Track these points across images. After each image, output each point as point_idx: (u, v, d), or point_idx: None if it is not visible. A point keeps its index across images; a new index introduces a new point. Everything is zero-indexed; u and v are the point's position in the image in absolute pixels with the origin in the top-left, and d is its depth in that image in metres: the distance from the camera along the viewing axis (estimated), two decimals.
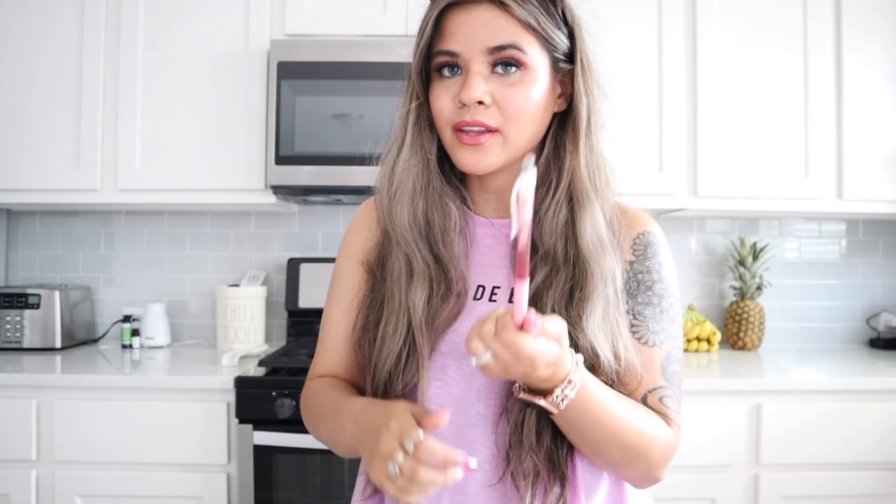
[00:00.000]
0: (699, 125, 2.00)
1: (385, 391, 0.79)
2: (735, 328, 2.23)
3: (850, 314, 2.38)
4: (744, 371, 1.88)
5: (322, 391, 0.86)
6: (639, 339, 0.80)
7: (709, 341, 2.18)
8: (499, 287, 0.81)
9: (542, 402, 0.69)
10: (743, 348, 2.22)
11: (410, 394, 0.79)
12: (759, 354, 2.16)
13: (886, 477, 1.71)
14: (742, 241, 2.25)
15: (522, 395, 0.71)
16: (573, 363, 0.69)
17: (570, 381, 0.68)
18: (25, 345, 2.07)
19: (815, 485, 1.71)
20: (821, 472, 1.71)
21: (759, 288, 2.24)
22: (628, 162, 1.98)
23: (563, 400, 0.69)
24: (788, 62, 2.01)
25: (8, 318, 2.07)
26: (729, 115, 2.00)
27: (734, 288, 2.30)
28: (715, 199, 2.01)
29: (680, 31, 2.01)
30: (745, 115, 2.00)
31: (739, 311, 2.22)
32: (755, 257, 2.23)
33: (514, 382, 0.73)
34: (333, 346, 0.89)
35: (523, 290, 0.62)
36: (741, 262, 2.24)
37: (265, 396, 1.65)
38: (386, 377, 0.78)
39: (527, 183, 0.60)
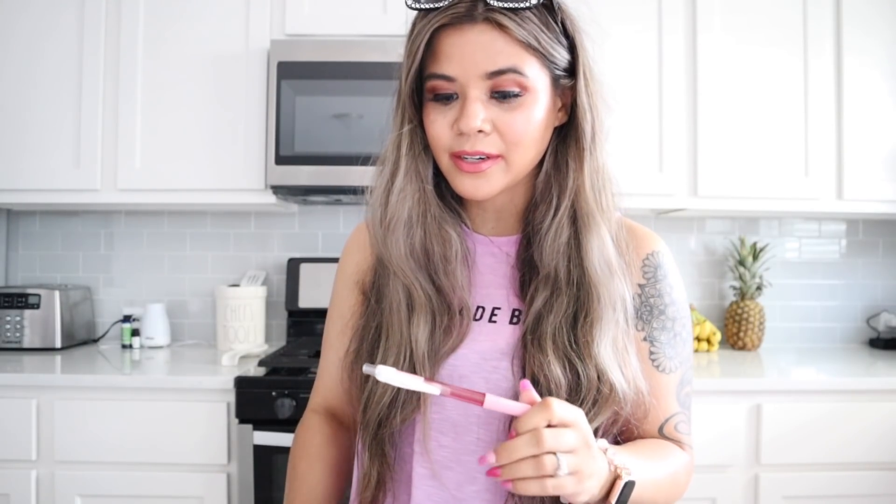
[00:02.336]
0: (699, 125, 2.00)
1: (380, 425, 0.75)
2: (735, 328, 2.23)
3: (850, 314, 2.38)
4: (744, 371, 1.88)
5: (301, 453, 0.89)
6: (657, 366, 0.78)
7: (709, 341, 2.18)
8: (499, 308, 0.78)
9: None
10: (743, 348, 2.22)
11: (407, 428, 0.76)
12: (759, 354, 2.16)
13: (886, 477, 1.71)
14: (742, 241, 2.25)
15: None
16: (608, 453, 0.68)
17: (618, 476, 0.67)
18: (25, 345, 2.07)
19: (815, 485, 1.71)
20: (821, 472, 1.71)
21: (759, 288, 2.24)
22: (628, 162, 1.98)
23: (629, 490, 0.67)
24: (788, 62, 2.01)
25: (8, 318, 2.07)
26: (729, 115, 2.00)
27: (734, 288, 2.30)
28: (715, 199, 2.01)
29: (680, 31, 2.01)
30: (745, 116, 2.00)
31: (739, 311, 2.22)
32: (755, 257, 2.23)
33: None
34: (329, 373, 0.89)
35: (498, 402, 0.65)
36: (741, 262, 2.24)
37: (265, 396, 1.65)
38: (382, 411, 0.75)
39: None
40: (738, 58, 2.01)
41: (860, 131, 2.02)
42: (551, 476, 0.61)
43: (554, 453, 0.61)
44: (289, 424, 1.63)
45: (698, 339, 2.18)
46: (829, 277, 2.38)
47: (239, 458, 1.66)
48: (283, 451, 1.64)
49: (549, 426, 0.62)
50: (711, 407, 1.70)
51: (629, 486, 0.66)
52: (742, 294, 2.25)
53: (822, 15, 2.01)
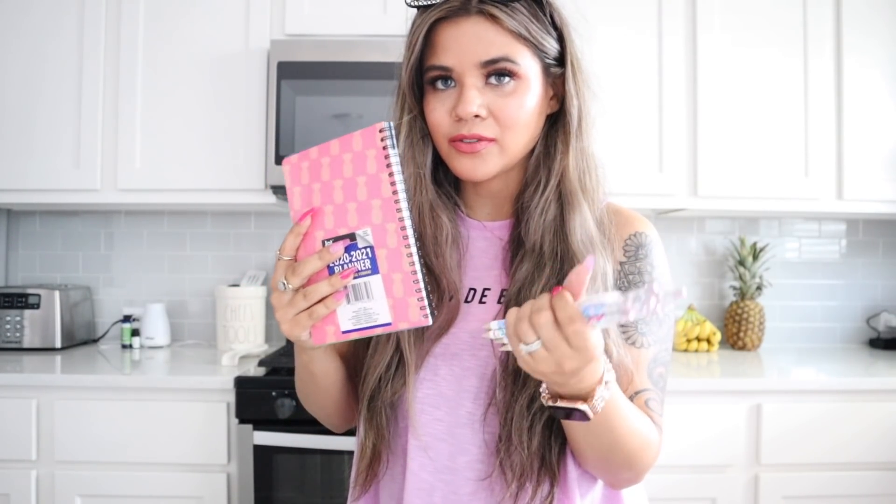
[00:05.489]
0: (699, 125, 2.00)
1: (373, 397, 0.79)
2: (735, 328, 2.23)
3: (850, 314, 2.38)
4: (744, 371, 1.88)
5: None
6: (627, 339, 0.80)
7: (709, 341, 2.18)
8: (489, 289, 0.82)
9: (582, 405, 0.64)
10: (743, 348, 2.22)
11: (399, 401, 0.80)
12: (759, 354, 2.16)
13: (886, 477, 1.71)
14: (742, 241, 2.25)
15: (560, 403, 0.65)
16: (605, 361, 0.65)
17: (606, 382, 0.65)
18: (25, 345, 2.07)
19: (815, 485, 1.71)
20: (821, 472, 1.71)
21: (759, 288, 2.24)
22: (628, 162, 1.98)
23: (601, 401, 0.64)
24: (788, 62, 2.01)
25: (8, 318, 2.07)
26: (729, 115, 2.00)
27: (734, 288, 2.30)
28: (715, 199, 2.01)
29: (680, 31, 2.01)
30: (745, 116, 2.00)
31: (739, 311, 2.22)
32: (755, 257, 2.23)
33: (504, 384, 0.74)
34: None
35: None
36: (741, 262, 2.24)
37: (265, 396, 1.65)
38: (375, 383, 0.79)
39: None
40: (738, 58, 2.01)
41: (860, 131, 2.02)
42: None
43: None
44: (289, 424, 1.63)
45: (698, 339, 2.18)
46: (829, 277, 2.38)
47: (239, 458, 1.66)
48: (284, 451, 1.64)
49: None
50: (711, 407, 1.70)
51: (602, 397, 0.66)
52: (742, 294, 2.25)
53: (822, 15, 2.01)
